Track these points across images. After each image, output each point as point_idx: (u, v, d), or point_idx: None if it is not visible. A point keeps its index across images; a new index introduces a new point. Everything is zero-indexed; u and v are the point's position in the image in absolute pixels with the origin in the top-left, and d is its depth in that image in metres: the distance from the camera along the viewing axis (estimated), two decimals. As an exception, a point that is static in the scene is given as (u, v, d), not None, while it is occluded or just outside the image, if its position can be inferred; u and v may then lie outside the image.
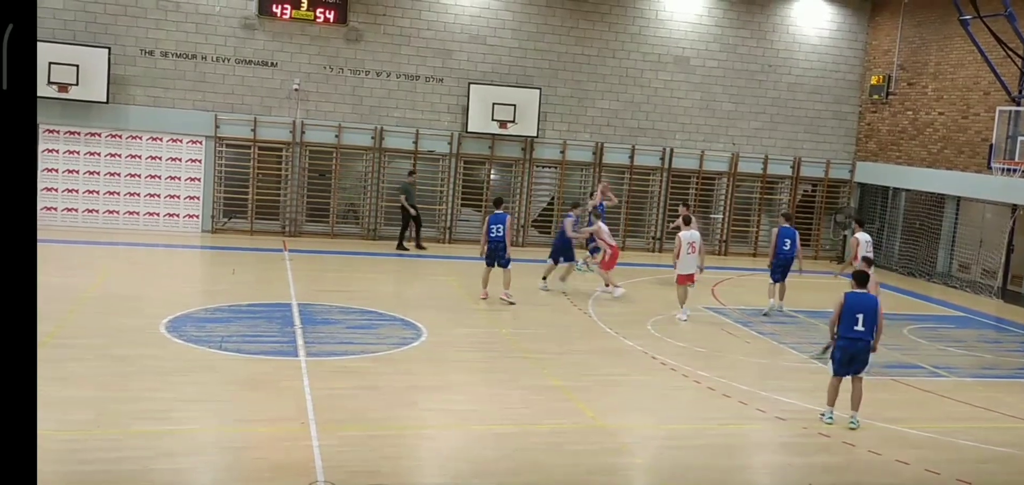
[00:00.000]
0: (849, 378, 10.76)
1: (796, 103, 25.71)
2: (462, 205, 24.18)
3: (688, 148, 25.13)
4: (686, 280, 16.20)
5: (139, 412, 9.56)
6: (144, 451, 8.61)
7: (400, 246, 21.93)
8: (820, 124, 25.97)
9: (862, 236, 17.14)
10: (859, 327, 10.52)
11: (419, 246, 22.25)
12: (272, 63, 22.19)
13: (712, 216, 26.00)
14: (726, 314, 17.05)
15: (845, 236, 25.82)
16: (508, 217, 16.90)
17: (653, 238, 25.30)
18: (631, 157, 24.76)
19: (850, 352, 10.63)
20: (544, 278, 17.93)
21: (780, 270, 17.17)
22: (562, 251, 17.91)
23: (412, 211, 22.13)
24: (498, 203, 17.27)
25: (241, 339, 12.64)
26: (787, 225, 17.53)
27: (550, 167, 24.59)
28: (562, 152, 24.29)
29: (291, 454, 8.72)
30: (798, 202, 26.26)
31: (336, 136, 22.80)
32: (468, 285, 18.45)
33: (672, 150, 24.99)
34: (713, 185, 25.82)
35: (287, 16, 21.93)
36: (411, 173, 22.70)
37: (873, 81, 25.55)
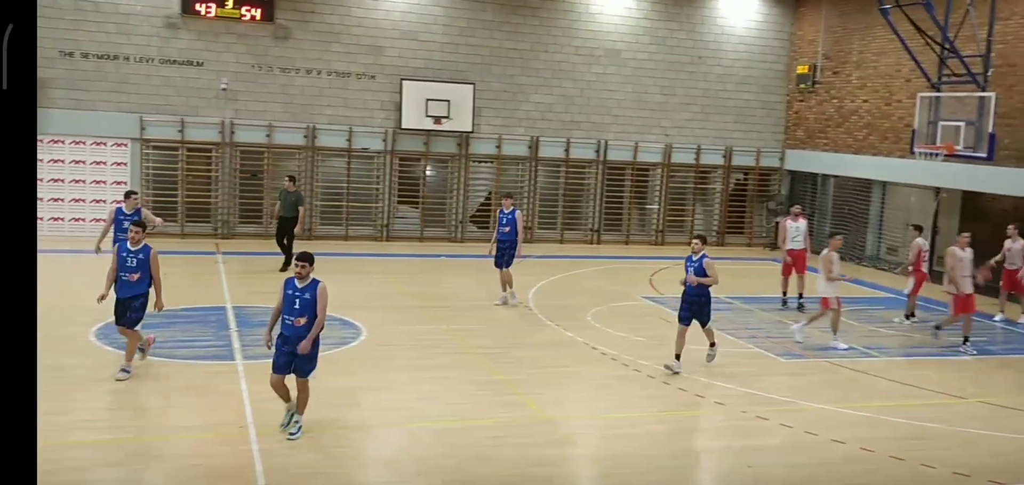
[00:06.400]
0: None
1: (726, 93, 26.14)
2: (399, 202, 24.01)
3: (622, 140, 25.36)
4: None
5: (73, 423, 9.25)
6: (80, 462, 8.33)
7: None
8: (749, 113, 26.45)
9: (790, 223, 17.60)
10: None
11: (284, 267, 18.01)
12: (198, 62, 21.70)
13: (647, 207, 26.31)
14: (664, 303, 17.25)
15: (777, 222, 26.38)
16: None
17: (591, 231, 25.47)
18: (566, 150, 24.88)
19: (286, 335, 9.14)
20: None
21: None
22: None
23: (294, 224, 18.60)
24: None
25: (175, 344, 12.32)
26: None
27: (486, 162, 24.56)
28: (498, 147, 24.28)
29: (231, 460, 8.54)
30: (731, 190, 26.73)
31: (267, 135, 22.40)
32: (407, 283, 18.34)
33: (606, 143, 25.18)
34: (648, 176, 26.10)
35: (212, 14, 21.46)
36: (290, 178, 19.15)
37: (799, 70, 26.13)
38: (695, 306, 12.41)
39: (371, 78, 23.06)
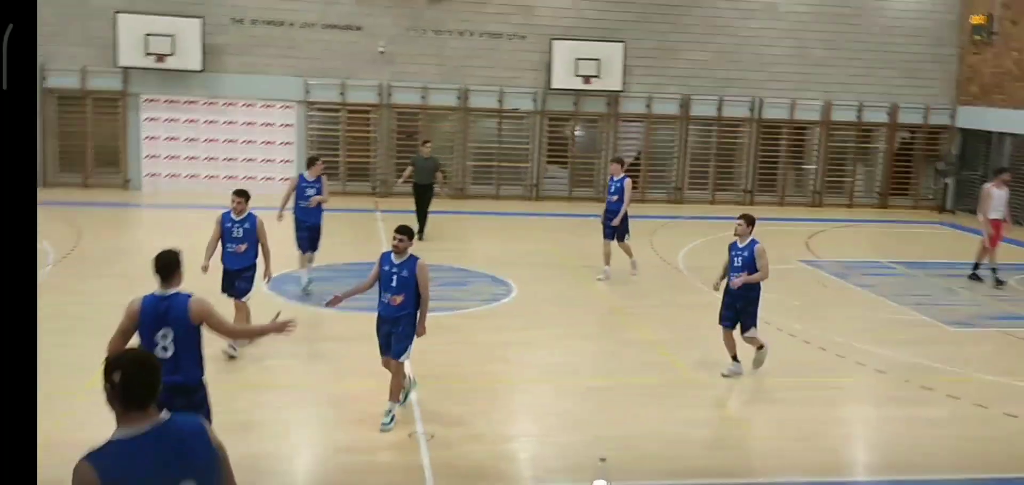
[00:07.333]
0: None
1: (892, 47, 24.71)
2: (548, 162, 24.16)
3: (779, 97, 24.49)
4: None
5: (242, 367, 9.94)
6: (248, 404, 8.99)
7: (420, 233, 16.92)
8: (918, 68, 24.93)
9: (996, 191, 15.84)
10: None
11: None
12: (357, 27, 22.48)
13: (805, 166, 25.39)
14: (821, 266, 16.68)
15: (945, 184, 24.91)
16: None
17: (744, 191, 24.84)
18: (718, 109, 24.28)
19: None
20: None
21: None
22: None
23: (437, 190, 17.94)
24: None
25: (337, 297, 12.94)
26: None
27: (636, 121, 24.30)
28: (648, 106, 23.97)
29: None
30: (896, 149, 25.38)
31: (422, 97, 23.01)
32: (556, 242, 18.51)
33: (762, 100, 24.40)
34: (805, 134, 25.13)
35: (371, -21, 22.18)
36: (425, 143, 18.53)
37: (974, 21, 24.34)
38: (739, 304, 10.05)
39: (521, 38, 23.21)
